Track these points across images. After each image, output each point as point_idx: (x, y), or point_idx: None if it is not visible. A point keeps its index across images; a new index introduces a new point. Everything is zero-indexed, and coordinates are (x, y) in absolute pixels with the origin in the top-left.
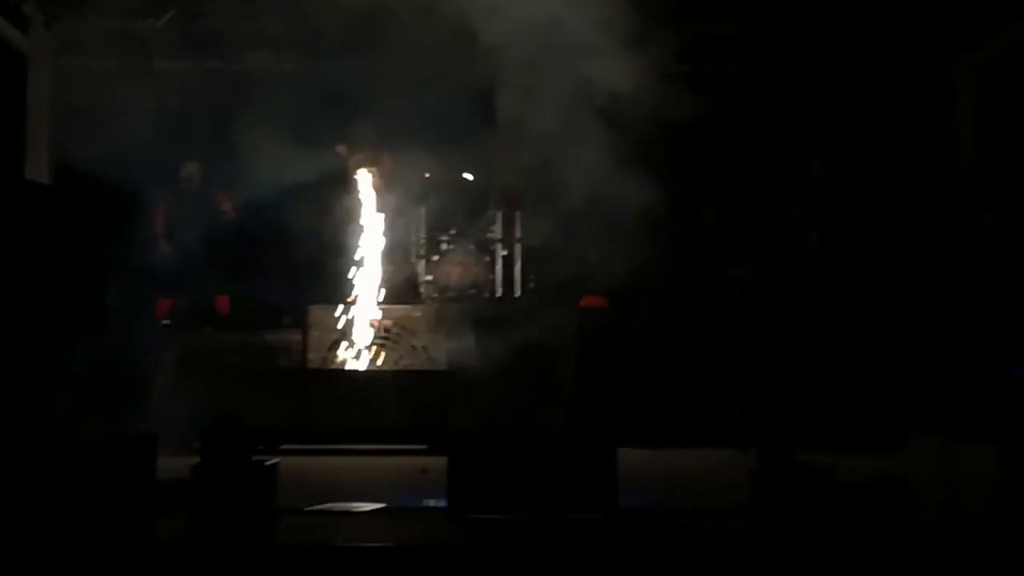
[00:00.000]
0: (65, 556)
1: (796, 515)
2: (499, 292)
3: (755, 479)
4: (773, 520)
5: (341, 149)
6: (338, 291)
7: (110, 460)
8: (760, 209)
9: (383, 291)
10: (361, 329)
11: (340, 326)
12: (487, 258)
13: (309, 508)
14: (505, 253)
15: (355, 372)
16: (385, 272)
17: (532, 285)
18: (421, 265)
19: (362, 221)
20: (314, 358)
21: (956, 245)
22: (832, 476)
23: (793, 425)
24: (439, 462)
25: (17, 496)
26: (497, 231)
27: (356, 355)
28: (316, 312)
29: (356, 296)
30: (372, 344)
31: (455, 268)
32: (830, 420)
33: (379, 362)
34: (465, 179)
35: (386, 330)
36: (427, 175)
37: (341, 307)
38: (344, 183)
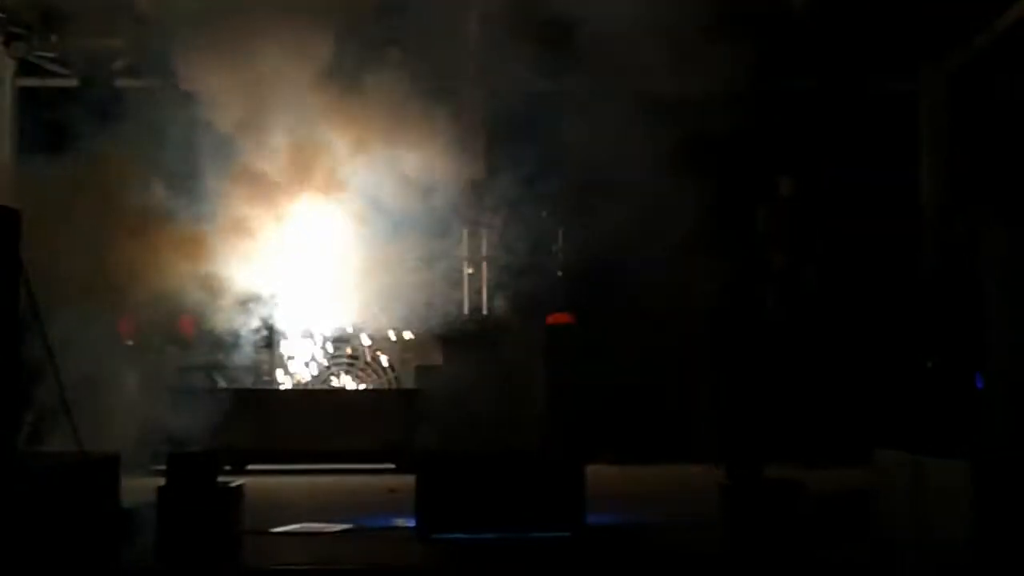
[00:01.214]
0: None
1: (764, 529)
2: (466, 310)
3: (724, 494)
4: (741, 534)
5: None
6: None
7: (73, 482)
8: (728, 226)
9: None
10: (328, 349)
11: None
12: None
13: (275, 530)
14: (471, 270)
15: (322, 392)
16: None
17: (499, 303)
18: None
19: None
20: (282, 378)
21: (926, 256)
22: (800, 489)
23: (761, 439)
24: (407, 481)
25: None
26: (463, 249)
27: (323, 375)
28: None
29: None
30: (339, 364)
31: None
32: (798, 434)
33: (346, 382)
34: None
35: (353, 350)
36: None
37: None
38: None
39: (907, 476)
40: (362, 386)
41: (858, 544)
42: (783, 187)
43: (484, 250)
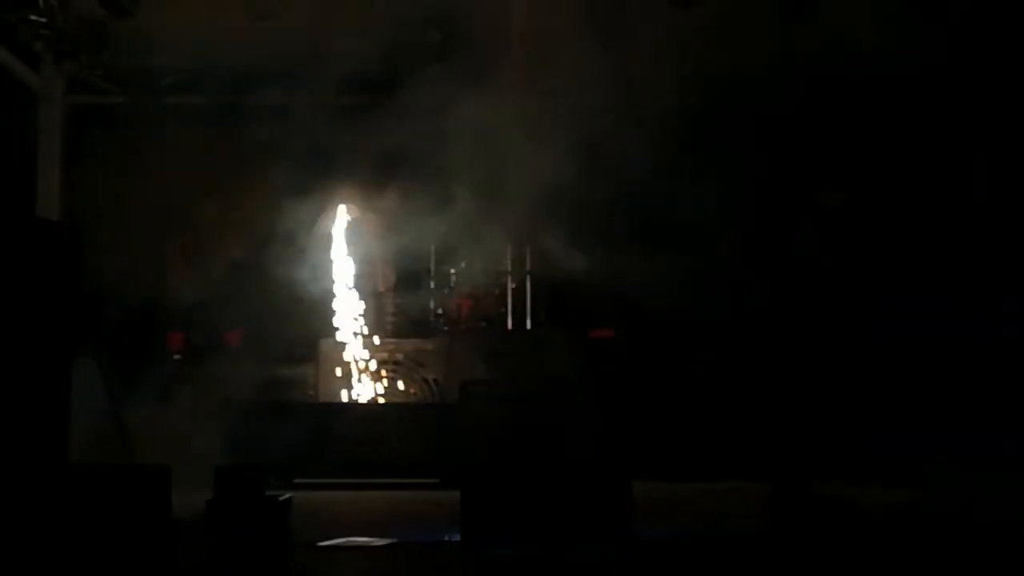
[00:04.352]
0: None
1: (814, 546)
2: (510, 324)
3: (772, 509)
4: (791, 551)
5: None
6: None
7: (124, 494)
8: (772, 240)
9: (394, 324)
10: (372, 363)
11: (351, 360)
12: (497, 290)
13: (323, 543)
14: (515, 285)
15: (366, 406)
16: (396, 305)
17: (542, 317)
18: (432, 298)
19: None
20: (325, 392)
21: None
22: (850, 506)
23: (811, 455)
24: (452, 496)
25: (32, 530)
26: (507, 263)
27: (367, 389)
28: (327, 346)
29: (367, 330)
30: (383, 378)
31: (466, 301)
32: (848, 450)
33: (390, 396)
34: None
35: (397, 363)
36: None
37: (352, 341)
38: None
39: (960, 492)
40: (407, 399)
41: (909, 562)
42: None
43: (528, 264)
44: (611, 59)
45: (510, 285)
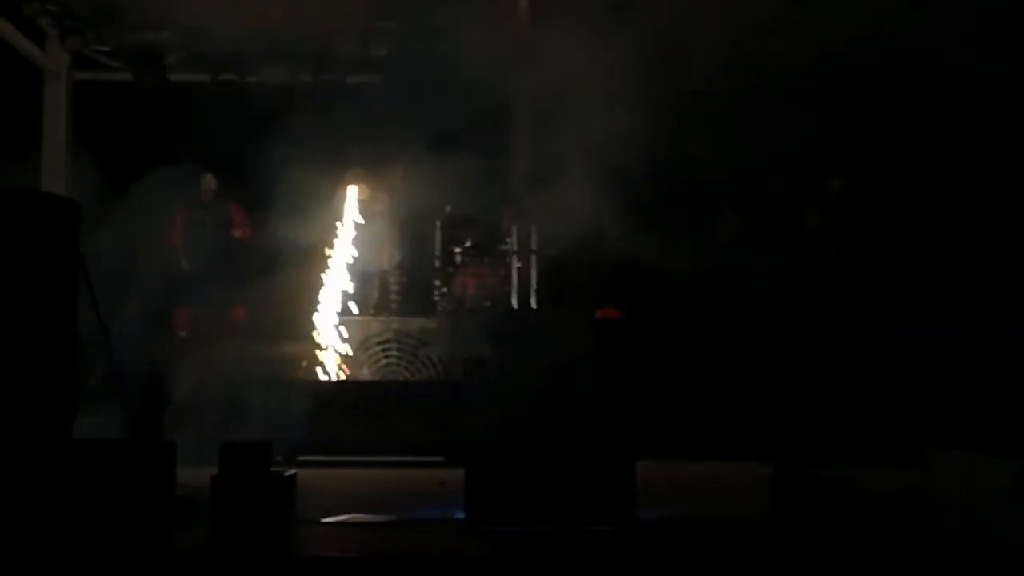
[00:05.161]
0: (84, 568)
1: (815, 527)
2: (514, 304)
3: (774, 491)
4: (791, 532)
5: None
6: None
7: (129, 470)
8: (778, 223)
9: (398, 302)
10: (376, 340)
11: (355, 337)
12: (502, 270)
13: (327, 519)
14: (520, 265)
15: (371, 384)
16: (400, 284)
17: (547, 297)
18: (436, 277)
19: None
20: (329, 369)
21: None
22: (851, 488)
23: (812, 436)
24: (456, 474)
25: (35, 507)
26: (512, 242)
27: (372, 367)
28: (331, 323)
29: (373, 308)
30: (387, 355)
31: (470, 279)
32: (849, 432)
33: (394, 374)
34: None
35: (401, 341)
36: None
37: (356, 318)
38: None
39: (961, 475)
40: (411, 378)
41: (910, 544)
42: (832, 186)
43: (533, 243)
44: (623, 34)
45: (515, 264)
